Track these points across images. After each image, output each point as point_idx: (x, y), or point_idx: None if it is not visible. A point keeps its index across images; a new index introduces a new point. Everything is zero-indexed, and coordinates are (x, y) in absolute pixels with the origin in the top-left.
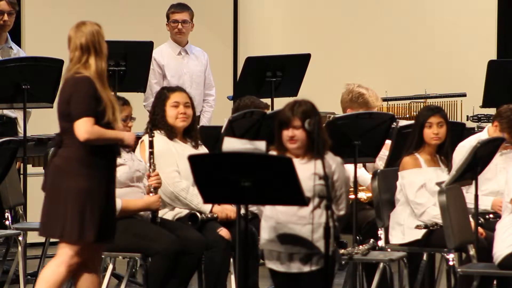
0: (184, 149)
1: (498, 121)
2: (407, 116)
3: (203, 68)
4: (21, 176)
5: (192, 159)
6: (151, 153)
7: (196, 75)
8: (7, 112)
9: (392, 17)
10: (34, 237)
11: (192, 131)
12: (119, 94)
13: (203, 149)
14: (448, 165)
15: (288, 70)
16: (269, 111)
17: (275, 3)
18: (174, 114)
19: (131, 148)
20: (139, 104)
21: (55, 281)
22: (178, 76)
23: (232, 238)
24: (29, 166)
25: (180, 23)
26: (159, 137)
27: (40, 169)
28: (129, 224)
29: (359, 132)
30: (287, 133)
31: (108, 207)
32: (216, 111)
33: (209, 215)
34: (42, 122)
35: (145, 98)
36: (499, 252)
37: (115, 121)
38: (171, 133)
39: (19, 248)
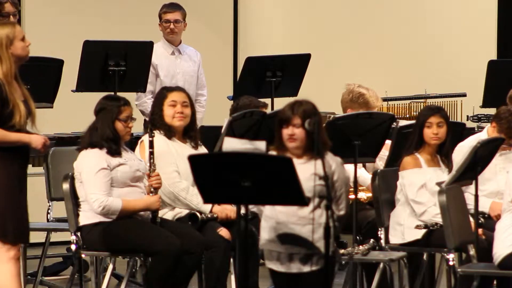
0: (183, 149)
1: (496, 122)
2: (407, 116)
3: (196, 68)
4: None
5: (192, 159)
6: (151, 153)
7: (189, 75)
8: None
9: (392, 17)
10: (34, 237)
11: (191, 131)
12: (119, 94)
13: (202, 149)
14: (449, 165)
15: (288, 70)
16: (267, 110)
17: (275, 3)
18: (171, 113)
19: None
20: None
21: (11, 275)
22: (171, 76)
23: (232, 238)
24: (29, 166)
25: (172, 23)
26: (159, 137)
27: (40, 169)
28: (129, 224)
29: (359, 132)
30: (286, 131)
31: (21, 206)
32: (216, 111)
33: (209, 215)
34: (42, 122)
35: (137, 97)
36: (499, 252)
37: (24, 124)
38: (169, 132)
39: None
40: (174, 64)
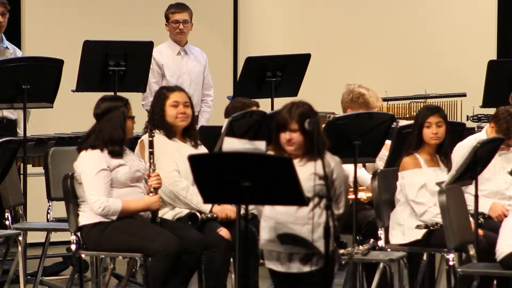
0: (183, 149)
1: (495, 123)
2: (407, 116)
3: (202, 69)
4: (21, 176)
5: (192, 159)
6: (151, 153)
7: (195, 75)
8: (7, 113)
9: (392, 17)
10: (34, 237)
11: (191, 131)
12: (119, 94)
13: (202, 149)
14: (448, 165)
15: (288, 70)
16: (258, 108)
17: (275, 3)
18: (173, 114)
19: None
20: (139, 104)
21: None
22: (177, 76)
23: (232, 238)
24: (29, 166)
25: (181, 23)
26: (158, 137)
27: (40, 169)
28: (129, 224)
29: (359, 132)
30: (284, 136)
31: None
32: (216, 111)
33: (209, 215)
34: (42, 122)
35: (144, 97)
36: (502, 249)
37: None
38: (170, 132)
39: (19, 248)
40: (180, 64)
